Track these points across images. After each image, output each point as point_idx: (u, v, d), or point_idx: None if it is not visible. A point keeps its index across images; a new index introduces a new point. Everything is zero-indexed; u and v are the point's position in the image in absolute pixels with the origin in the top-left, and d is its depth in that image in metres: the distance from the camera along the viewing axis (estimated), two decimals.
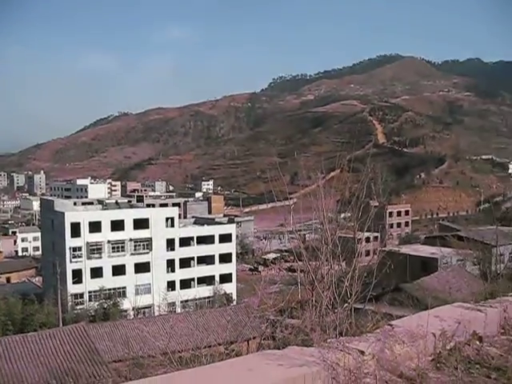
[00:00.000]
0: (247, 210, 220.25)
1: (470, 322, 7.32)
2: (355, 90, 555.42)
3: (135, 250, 79.90)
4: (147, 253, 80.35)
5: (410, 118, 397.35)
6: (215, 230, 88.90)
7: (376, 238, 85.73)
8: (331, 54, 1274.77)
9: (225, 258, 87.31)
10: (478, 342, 7.35)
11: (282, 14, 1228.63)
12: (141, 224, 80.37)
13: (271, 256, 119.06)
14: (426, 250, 73.89)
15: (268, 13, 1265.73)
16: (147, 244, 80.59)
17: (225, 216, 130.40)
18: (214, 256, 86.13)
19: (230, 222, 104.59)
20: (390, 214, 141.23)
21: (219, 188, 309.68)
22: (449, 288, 40.51)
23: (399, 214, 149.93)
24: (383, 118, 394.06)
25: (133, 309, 67.56)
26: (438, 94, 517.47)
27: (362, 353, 5.81)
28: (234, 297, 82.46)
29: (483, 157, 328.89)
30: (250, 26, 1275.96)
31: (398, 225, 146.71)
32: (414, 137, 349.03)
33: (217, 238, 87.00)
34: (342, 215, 12.68)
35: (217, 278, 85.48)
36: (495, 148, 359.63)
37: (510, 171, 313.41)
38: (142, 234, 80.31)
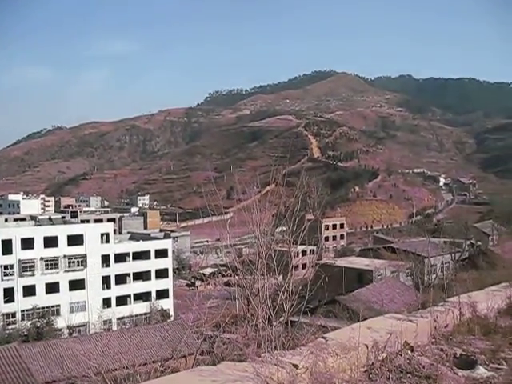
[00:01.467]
0: (183, 224, 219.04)
1: (401, 333, 7.46)
2: (291, 105, 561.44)
3: (69, 266, 78.23)
4: (82, 269, 78.79)
5: (344, 132, 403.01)
6: (151, 246, 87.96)
7: (312, 251, 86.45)
8: (267, 69, 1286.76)
9: (161, 274, 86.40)
10: (409, 352, 7.49)
11: (218, 30, 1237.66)
12: (75, 240, 78.83)
13: (208, 271, 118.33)
14: (360, 263, 74.80)
15: (204, 29, 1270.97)
16: (82, 260, 79.03)
17: (161, 231, 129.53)
18: (150, 272, 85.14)
19: (166, 237, 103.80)
20: (326, 227, 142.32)
21: (155, 203, 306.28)
22: (381, 299, 41.30)
23: (334, 227, 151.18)
24: (318, 132, 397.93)
25: (67, 327, 66.15)
26: (371, 110, 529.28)
27: (296, 366, 5.84)
28: (171, 313, 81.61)
29: (415, 170, 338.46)
30: (187, 42, 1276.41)
31: (334, 238, 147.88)
32: (348, 151, 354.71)
33: (153, 254, 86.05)
34: (278, 229, 12.73)
35: (153, 294, 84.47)
36: (426, 162, 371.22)
37: (440, 184, 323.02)
38: (77, 250, 78.72)
